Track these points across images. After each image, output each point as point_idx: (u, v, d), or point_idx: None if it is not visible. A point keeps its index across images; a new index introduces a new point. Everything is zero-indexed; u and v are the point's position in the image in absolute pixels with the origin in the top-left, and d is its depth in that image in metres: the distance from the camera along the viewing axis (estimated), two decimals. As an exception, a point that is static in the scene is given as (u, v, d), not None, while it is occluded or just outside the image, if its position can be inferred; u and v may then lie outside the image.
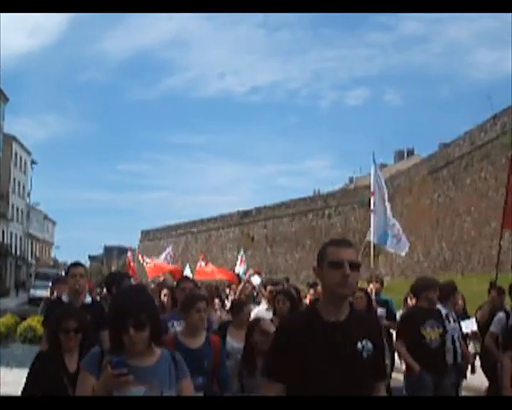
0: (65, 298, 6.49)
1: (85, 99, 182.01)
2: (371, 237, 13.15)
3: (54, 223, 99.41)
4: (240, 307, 6.95)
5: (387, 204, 13.07)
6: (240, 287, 13.18)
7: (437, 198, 42.18)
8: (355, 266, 3.06)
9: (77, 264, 6.65)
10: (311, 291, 13.83)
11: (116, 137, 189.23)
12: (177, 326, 6.22)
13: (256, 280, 17.39)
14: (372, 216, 12.84)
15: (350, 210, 54.73)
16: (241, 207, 69.87)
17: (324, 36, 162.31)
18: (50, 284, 13.33)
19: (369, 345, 3.05)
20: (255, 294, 14.58)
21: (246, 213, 66.48)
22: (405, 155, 71.59)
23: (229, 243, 66.00)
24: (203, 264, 20.53)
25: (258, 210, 65.15)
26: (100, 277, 59.35)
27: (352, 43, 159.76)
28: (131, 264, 24.22)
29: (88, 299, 6.50)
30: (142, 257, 23.79)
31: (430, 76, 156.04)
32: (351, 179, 75.79)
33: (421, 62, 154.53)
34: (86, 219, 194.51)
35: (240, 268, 21.27)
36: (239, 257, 22.94)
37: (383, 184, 13.14)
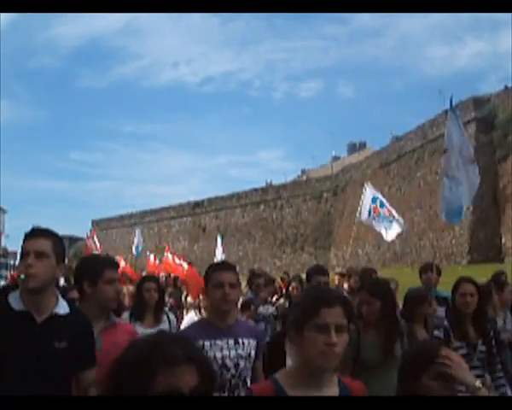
0: None
1: (36, 86, 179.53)
2: (441, 212, 8.33)
3: (4, 211, 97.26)
4: None
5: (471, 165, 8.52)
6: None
7: (388, 191, 42.40)
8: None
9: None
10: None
11: (67, 125, 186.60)
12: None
13: None
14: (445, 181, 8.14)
15: (302, 202, 54.78)
16: (192, 197, 69.65)
17: (278, 27, 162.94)
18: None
19: None
20: None
21: (198, 204, 66.07)
22: (358, 147, 72.08)
23: (180, 233, 65.55)
24: (170, 256, 17.77)
25: (210, 201, 64.82)
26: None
27: (306, 34, 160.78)
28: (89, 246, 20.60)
29: None
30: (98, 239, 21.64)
31: (383, 69, 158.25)
32: (303, 171, 75.99)
33: (374, 55, 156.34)
34: (37, 208, 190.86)
35: (222, 256, 18.95)
36: (218, 244, 20.12)
37: (464, 136, 8.69)
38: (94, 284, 3.96)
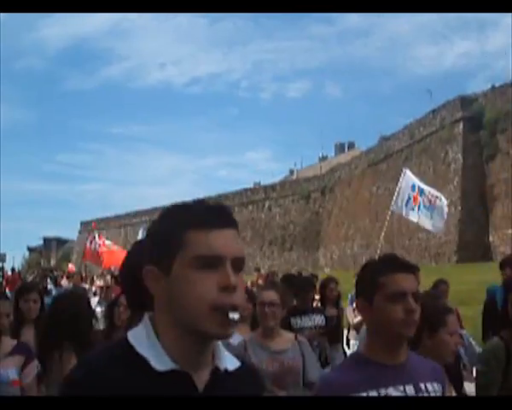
0: None
1: (23, 87, 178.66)
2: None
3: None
4: None
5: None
6: None
7: (376, 191, 42.49)
8: None
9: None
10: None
11: (54, 127, 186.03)
12: None
13: None
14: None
15: (290, 202, 54.76)
16: (181, 198, 68.99)
17: (265, 27, 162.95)
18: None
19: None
20: None
21: (186, 205, 65.83)
22: (346, 147, 72.07)
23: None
24: None
25: (198, 202, 64.61)
26: (38, 268, 58.02)
27: (293, 34, 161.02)
28: (88, 246, 18.64)
29: None
30: (100, 236, 19.25)
31: (371, 69, 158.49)
32: (291, 171, 75.92)
33: (362, 56, 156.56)
34: (24, 210, 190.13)
35: None
36: None
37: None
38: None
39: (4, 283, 28.40)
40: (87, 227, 78.32)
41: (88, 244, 18.51)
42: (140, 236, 22.06)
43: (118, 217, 75.23)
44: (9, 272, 37.65)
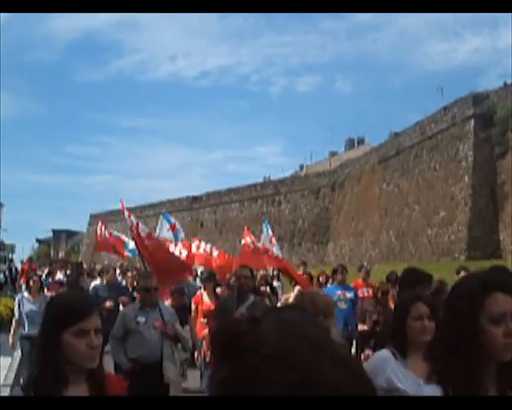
0: None
1: (33, 79, 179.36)
2: None
3: (1, 205, 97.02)
4: None
5: None
6: None
7: (386, 187, 42.40)
8: None
9: None
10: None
11: (64, 119, 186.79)
12: None
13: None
14: None
15: (300, 197, 54.70)
16: (190, 192, 69.46)
17: (276, 21, 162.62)
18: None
19: None
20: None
21: (196, 199, 65.96)
22: (356, 143, 71.90)
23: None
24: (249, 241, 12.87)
25: (208, 195, 64.73)
26: (48, 260, 58.37)
27: (304, 29, 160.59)
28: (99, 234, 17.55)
29: None
30: (104, 224, 18.38)
31: (381, 65, 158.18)
32: (301, 166, 75.84)
33: (373, 51, 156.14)
34: (34, 202, 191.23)
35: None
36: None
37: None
38: None
39: (20, 273, 28.62)
40: (96, 220, 78.51)
41: (99, 233, 17.58)
42: (159, 229, 19.57)
43: (126, 209, 75.25)
44: (19, 265, 37.80)
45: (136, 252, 19.82)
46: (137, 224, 12.13)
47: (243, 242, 12.58)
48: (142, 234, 12.06)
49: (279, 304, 12.00)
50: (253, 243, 12.08)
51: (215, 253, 16.03)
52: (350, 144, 72.83)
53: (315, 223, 51.95)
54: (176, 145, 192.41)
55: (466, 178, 33.09)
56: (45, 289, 15.12)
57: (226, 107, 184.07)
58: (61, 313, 2.76)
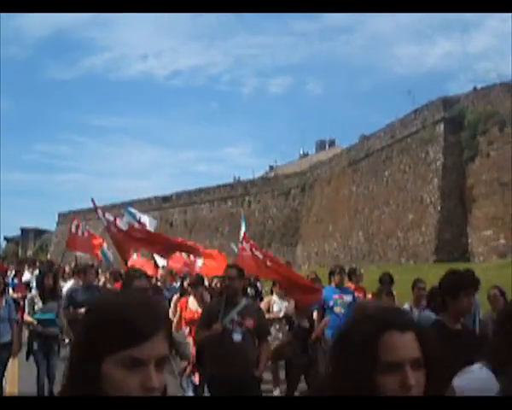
0: None
1: (1, 76, 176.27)
2: None
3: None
4: None
5: None
6: None
7: (356, 189, 42.50)
8: None
9: None
10: None
11: (33, 117, 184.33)
12: None
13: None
14: None
15: (269, 198, 54.68)
16: (159, 192, 69.10)
17: (248, 22, 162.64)
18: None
19: None
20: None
21: (165, 199, 65.68)
22: (327, 145, 72.16)
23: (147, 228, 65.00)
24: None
25: (178, 195, 64.47)
26: (15, 258, 57.61)
27: (276, 30, 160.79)
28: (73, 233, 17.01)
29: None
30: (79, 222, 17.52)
31: (352, 67, 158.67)
32: (271, 168, 75.94)
33: (344, 53, 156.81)
34: (3, 200, 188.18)
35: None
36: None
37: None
38: None
39: None
40: (65, 218, 77.75)
41: (74, 231, 16.97)
42: (148, 225, 18.83)
43: (96, 208, 74.61)
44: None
45: (111, 261, 19.57)
46: (115, 219, 11.76)
47: (240, 246, 11.47)
48: (124, 228, 11.72)
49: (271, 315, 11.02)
50: (250, 248, 10.72)
51: (199, 261, 15.42)
52: (321, 146, 73.08)
53: (284, 224, 51.94)
54: (146, 145, 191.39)
55: (435, 181, 33.26)
56: (10, 291, 14.54)
57: (197, 107, 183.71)
58: (104, 332, 1.66)
